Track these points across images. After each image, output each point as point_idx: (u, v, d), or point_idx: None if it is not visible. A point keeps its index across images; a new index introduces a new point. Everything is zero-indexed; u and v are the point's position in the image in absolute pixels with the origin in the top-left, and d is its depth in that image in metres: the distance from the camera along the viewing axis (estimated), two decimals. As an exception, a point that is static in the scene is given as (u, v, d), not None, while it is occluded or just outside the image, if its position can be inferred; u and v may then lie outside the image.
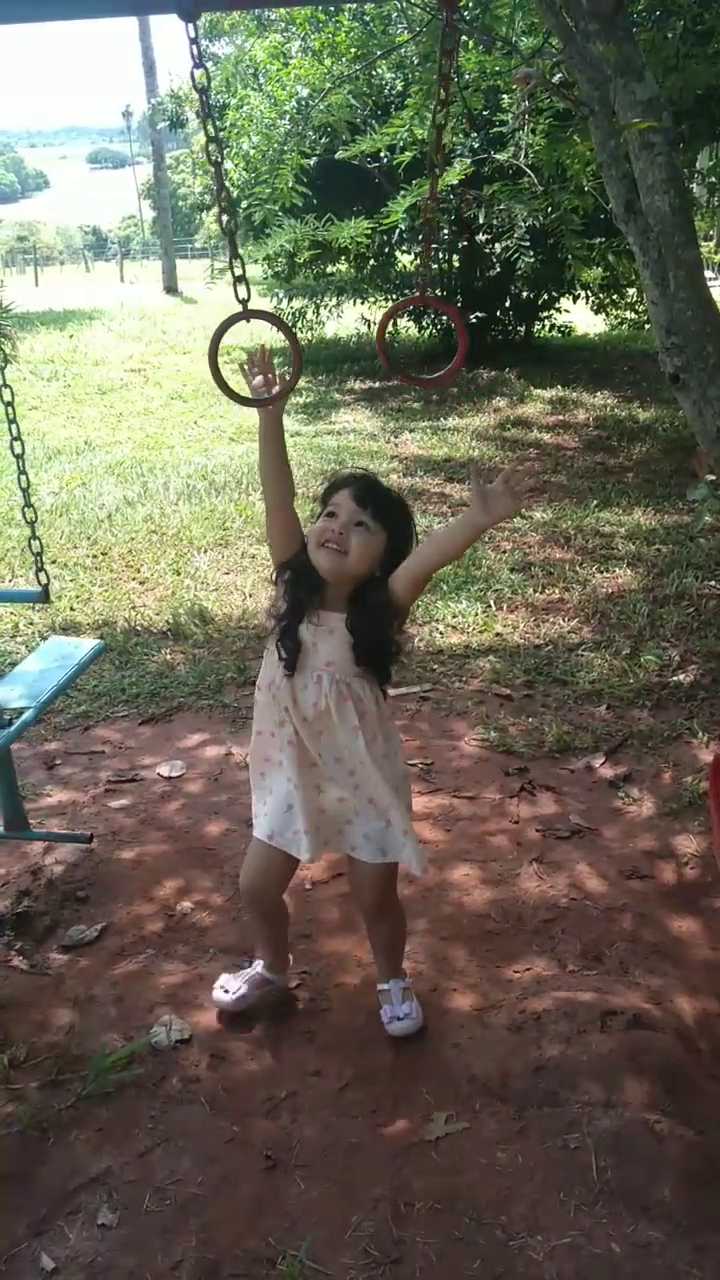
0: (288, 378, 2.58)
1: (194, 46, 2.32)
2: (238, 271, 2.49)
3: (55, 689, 3.70)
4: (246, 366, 2.63)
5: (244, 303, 2.49)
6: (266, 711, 2.79)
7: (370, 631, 2.63)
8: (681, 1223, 2.34)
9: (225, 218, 2.46)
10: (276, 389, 2.59)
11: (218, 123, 12.86)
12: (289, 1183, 2.53)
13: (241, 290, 2.48)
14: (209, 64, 13.89)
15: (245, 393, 2.59)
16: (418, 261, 14.38)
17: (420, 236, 13.62)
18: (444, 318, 15.30)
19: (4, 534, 7.67)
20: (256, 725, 2.86)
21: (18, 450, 3.66)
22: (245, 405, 2.58)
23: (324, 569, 2.60)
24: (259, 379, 2.61)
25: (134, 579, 6.79)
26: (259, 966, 3.11)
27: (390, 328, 15.18)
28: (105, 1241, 2.38)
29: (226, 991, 3.04)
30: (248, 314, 2.51)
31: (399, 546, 2.65)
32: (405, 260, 15.12)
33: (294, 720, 2.71)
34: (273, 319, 2.64)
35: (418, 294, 2.78)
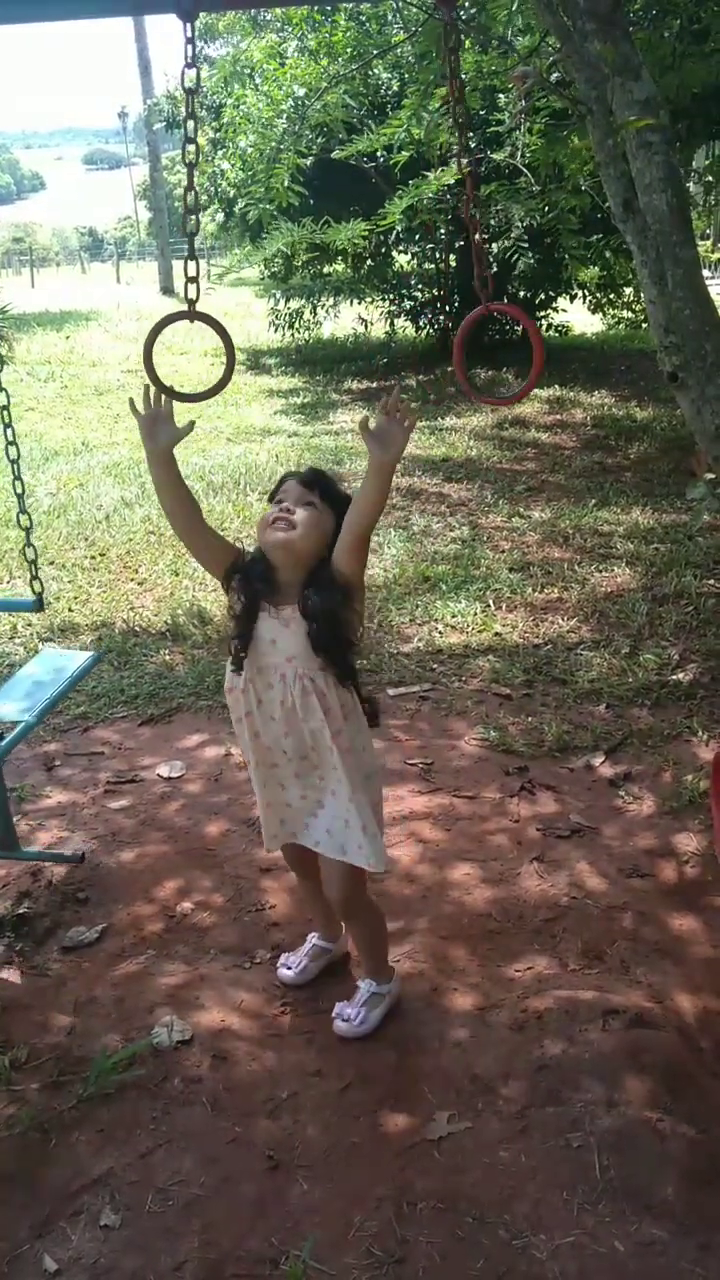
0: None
1: (190, 46, 2.32)
2: (191, 273, 2.56)
3: (49, 702, 3.69)
4: (140, 407, 2.71)
5: (192, 303, 2.66)
6: (231, 712, 2.85)
7: (326, 614, 2.62)
8: (685, 1221, 2.35)
9: (192, 218, 2.50)
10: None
11: (213, 123, 12.89)
12: (291, 1183, 2.52)
13: (192, 291, 2.65)
14: (203, 66, 13.91)
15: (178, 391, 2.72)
16: (426, 262, 14.40)
17: (417, 237, 13.68)
18: (440, 317, 15.33)
19: (3, 536, 7.66)
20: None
21: (13, 455, 3.63)
22: (177, 399, 2.65)
23: (274, 546, 2.63)
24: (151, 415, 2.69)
25: (132, 580, 6.78)
26: (314, 939, 3.22)
27: (388, 327, 15.14)
28: (108, 1242, 2.38)
29: (289, 968, 3.17)
30: (192, 315, 2.60)
31: (340, 521, 2.66)
32: (402, 260, 15.12)
33: (258, 720, 2.74)
34: (214, 324, 2.71)
35: (482, 306, 2.82)
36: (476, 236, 2.83)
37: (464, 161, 2.69)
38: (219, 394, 2.74)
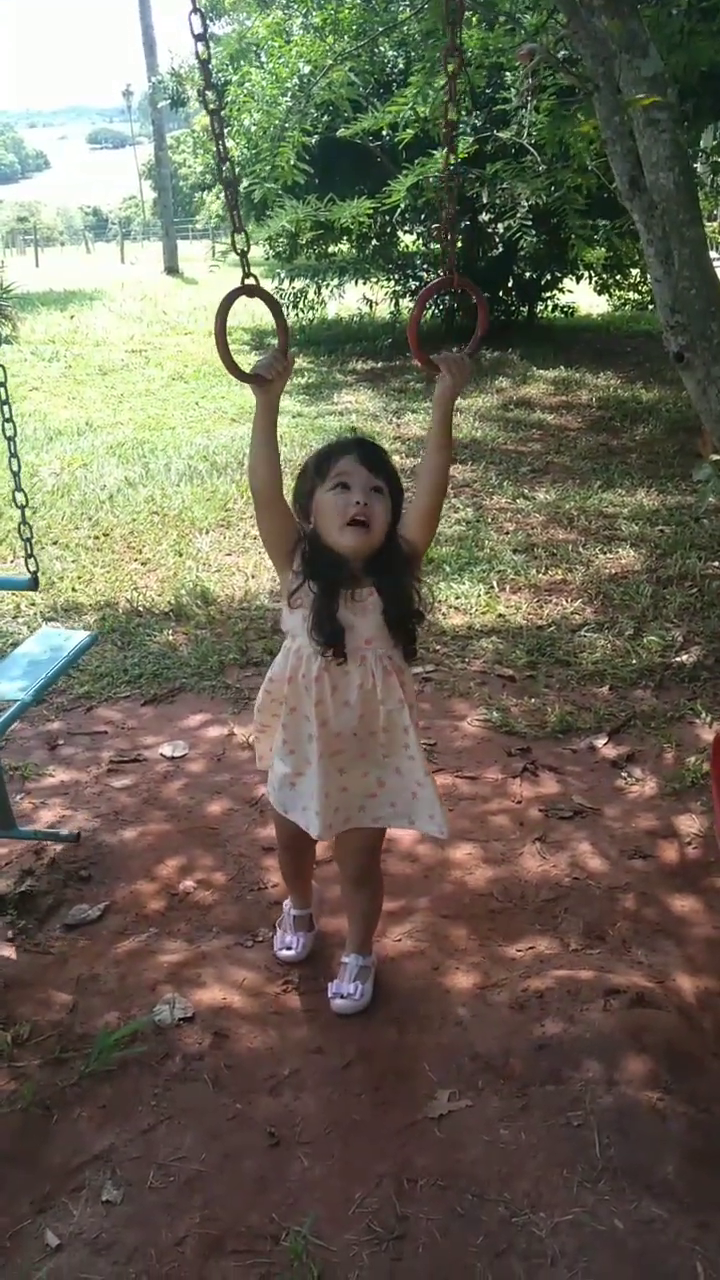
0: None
1: (196, 14, 2.29)
2: (241, 246, 2.47)
3: (44, 682, 3.68)
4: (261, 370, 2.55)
5: (253, 276, 2.51)
6: (283, 701, 2.73)
7: (401, 595, 2.61)
8: (684, 1200, 2.35)
9: (227, 190, 2.42)
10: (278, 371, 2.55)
11: (219, 100, 12.82)
12: (292, 1160, 2.53)
13: (247, 265, 2.51)
14: (210, 44, 13.82)
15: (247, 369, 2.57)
16: (431, 241, 14.32)
17: (423, 216, 13.61)
18: (445, 298, 15.26)
19: (6, 515, 7.65)
20: (263, 711, 2.84)
21: (9, 433, 3.61)
22: (246, 380, 2.55)
23: (351, 548, 2.53)
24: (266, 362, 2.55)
25: (136, 560, 6.78)
26: (295, 910, 3.23)
27: (392, 308, 15.03)
28: (109, 1218, 2.38)
29: (290, 948, 3.19)
30: (253, 289, 2.51)
31: (400, 501, 2.62)
32: (408, 240, 15.06)
33: (330, 707, 2.65)
34: (269, 298, 2.64)
35: (445, 276, 2.77)
36: (446, 212, 2.78)
37: (451, 132, 2.62)
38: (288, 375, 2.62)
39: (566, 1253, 2.26)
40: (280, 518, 2.61)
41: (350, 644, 2.60)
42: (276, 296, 16.03)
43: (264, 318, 17.51)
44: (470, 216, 13.81)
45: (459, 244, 14.60)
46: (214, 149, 2.40)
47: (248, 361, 2.63)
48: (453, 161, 2.62)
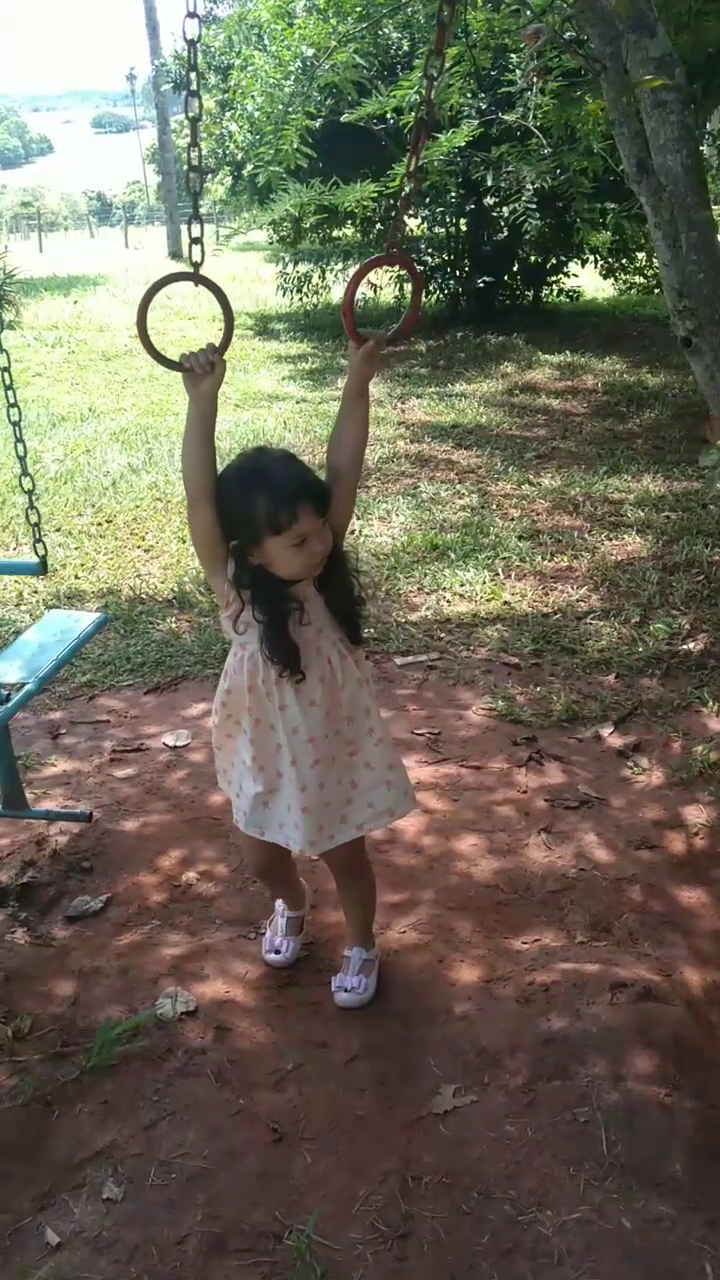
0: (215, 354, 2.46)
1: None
2: (195, 233, 2.42)
3: (55, 665, 3.65)
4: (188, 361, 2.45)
5: (196, 266, 2.45)
6: (246, 712, 2.66)
7: (345, 592, 2.60)
8: (693, 1198, 2.32)
9: (193, 175, 2.36)
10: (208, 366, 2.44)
11: (221, 84, 12.73)
12: (295, 1156, 2.51)
13: (197, 253, 2.47)
14: (210, 27, 13.73)
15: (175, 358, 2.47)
16: (435, 225, 14.23)
17: (427, 200, 13.51)
18: (451, 281, 15.19)
19: (8, 502, 7.61)
20: (223, 726, 2.76)
21: (14, 418, 3.58)
22: (170, 368, 2.49)
23: (303, 577, 2.50)
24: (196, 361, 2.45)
25: (139, 547, 6.74)
26: (287, 911, 3.16)
27: (396, 293, 14.94)
28: (110, 1215, 2.36)
29: (277, 952, 3.11)
30: (198, 277, 2.45)
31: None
32: (412, 224, 14.96)
33: (296, 713, 2.60)
34: (212, 286, 2.54)
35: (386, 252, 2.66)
36: (409, 187, 2.71)
37: (422, 107, 2.54)
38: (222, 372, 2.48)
39: (573, 1252, 2.23)
40: (208, 523, 2.46)
41: (304, 649, 2.55)
42: (281, 281, 15.98)
43: (269, 305, 17.49)
44: (475, 200, 13.72)
45: (464, 228, 14.55)
46: (189, 156, 2.34)
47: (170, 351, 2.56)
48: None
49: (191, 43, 2.24)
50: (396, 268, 2.67)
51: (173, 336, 15.90)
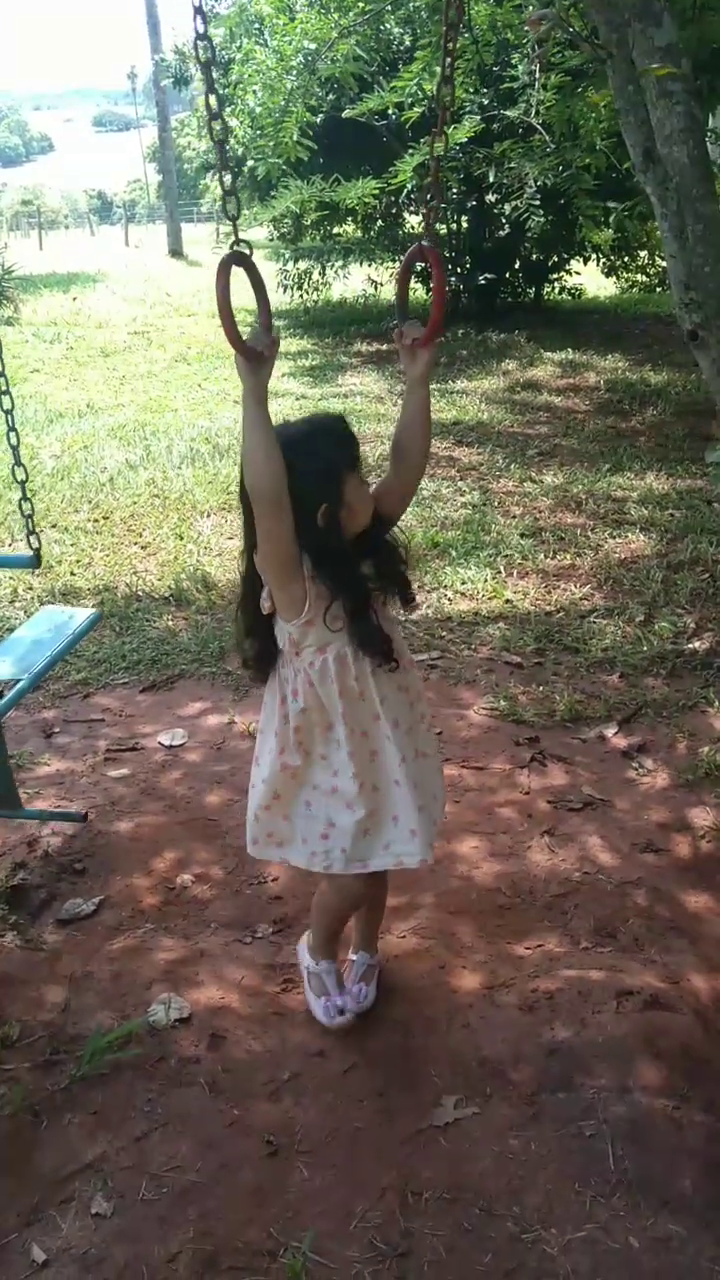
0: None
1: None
2: (232, 212, 2.27)
3: (48, 661, 3.58)
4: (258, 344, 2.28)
5: (246, 243, 2.30)
6: (327, 730, 2.46)
7: (389, 546, 2.48)
8: (703, 1216, 2.24)
9: (217, 123, 2.21)
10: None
11: (222, 79, 12.64)
12: (291, 1170, 2.42)
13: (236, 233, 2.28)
14: (211, 20, 13.63)
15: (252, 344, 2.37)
16: (424, 219, 14.19)
17: (429, 196, 13.43)
18: (454, 279, 15.11)
19: (4, 497, 7.53)
20: (287, 765, 2.50)
21: (7, 406, 3.50)
22: (242, 350, 2.35)
23: (368, 518, 2.37)
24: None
25: (136, 543, 6.66)
26: (330, 966, 2.87)
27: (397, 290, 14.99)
28: (99, 1232, 2.28)
29: (343, 1013, 2.79)
30: (244, 257, 2.30)
31: None
32: (413, 221, 14.91)
33: (392, 699, 2.46)
34: (254, 271, 2.42)
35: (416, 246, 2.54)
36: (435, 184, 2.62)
37: (444, 90, 2.44)
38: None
39: (579, 1272, 2.15)
40: (288, 518, 2.23)
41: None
42: (281, 279, 15.90)
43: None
44: (477, 197, 13.65)
45: (465, 225, 14.47)
46: (210, 129, 2.22)
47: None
48: (442, 150, 2.43)
49: (198, 9, 2.13)
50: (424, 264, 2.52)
51: (171, 333, 15.86)
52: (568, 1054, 2.66)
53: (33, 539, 3.64)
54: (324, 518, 2.27)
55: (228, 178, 2.18)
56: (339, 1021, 2.79)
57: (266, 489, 2.19)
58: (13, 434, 3.57)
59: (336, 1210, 2.32)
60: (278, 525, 2.22)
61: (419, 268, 2.54)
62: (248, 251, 2.23)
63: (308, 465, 2.24)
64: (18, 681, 3.47)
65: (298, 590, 2.31)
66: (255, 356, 2.23)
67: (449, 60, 2.26)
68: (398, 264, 15.04)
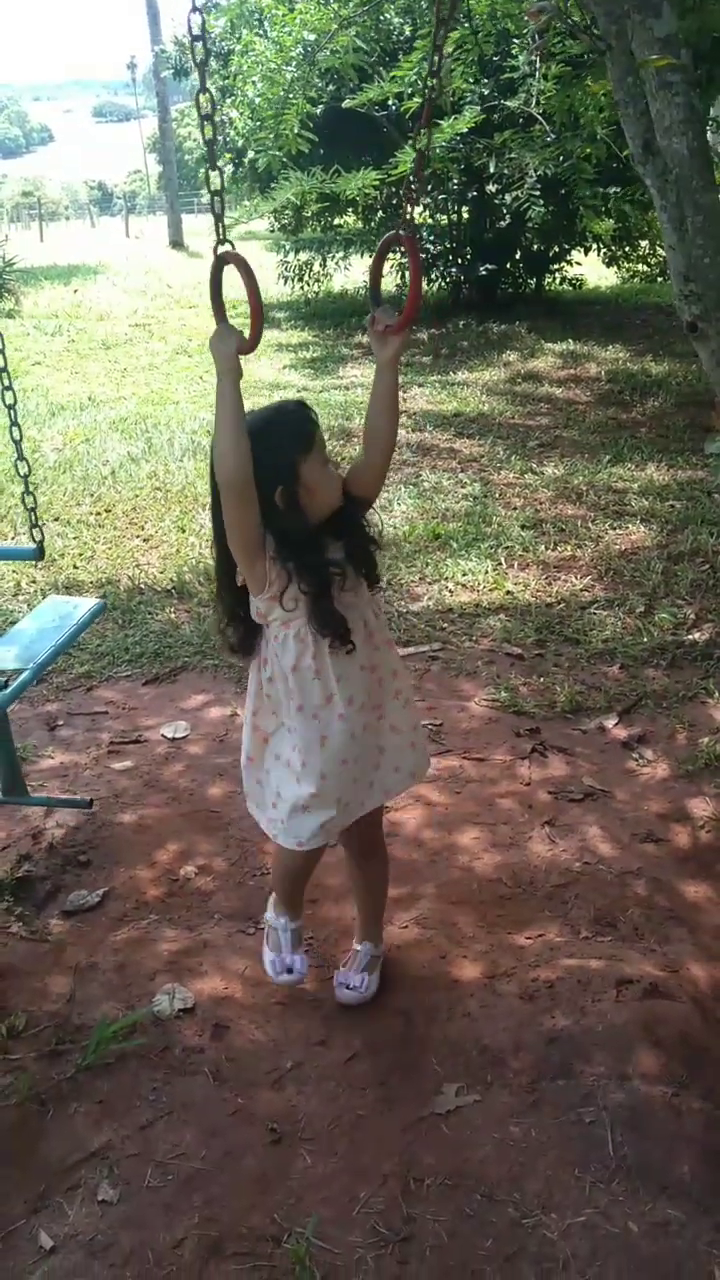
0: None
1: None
2: (218, 209, 2.33)
3: (53, 650, 3.60)
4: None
5: (228, 242, 2.35)
6: (284, 700, 2.53)
7: (359, 525, 2.52)
8: (701, 1201, 2.27)
9: (208, 125, 2.26)
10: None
11: (221, 70, 12.63)
12: (295, 1157, 2.45)
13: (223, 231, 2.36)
14: (210, 13, 13.62)
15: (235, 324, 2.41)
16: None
17: (430, 187, 13.41)
18: (453, 270, 15.10)
19: (7, 490, 7.55)
20: (261, 725, 2.63)
21: (9, 400, 3.52)
22: (224, 327, 2.38)
23: (337, 501, 2.44)
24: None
25: (138, 536, 6.68)
26: (287, 924, 2.86)
27: (398, 281, 14.93)
28: (106, 1218, 2.31)
29: (292, 971, 2.83)
30: (232, 255, 2.34)
31: None
32: (414, 212, 14.88)
33: (355, 678, 2.51)
34: (245, 267, 2.45)
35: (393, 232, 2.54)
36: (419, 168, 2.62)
37: (431, 83, 2.45)
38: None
39: (579, 1256, 2.18)
40: (252, 505, 2.33)
41: (347, 616, 2.48)
42: (282, 270, 15.87)
43: (270, 294, 17.33)
44: (477, 187, 13.63)
45: (466, 216, 14.44)
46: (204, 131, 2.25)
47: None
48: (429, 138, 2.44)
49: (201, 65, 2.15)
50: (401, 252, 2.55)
51: (173, 325, 15.85)
52: (568, 1042, 2.68)
53: (35, 532, 3.66)
54: (281, 499, 2.37)
55: (215, 177, 2.21)
56: (284, 979, 2.85)
57: (233, 479, 2.29)
58: (15, 429, 3.58)
59: (339, 1196, 2.35)
60: (243, 512, 2.33)
61: (396, 252, 2.56)
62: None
63: (264, 451, 2.32)
64: (22, 672, 3.50)
65: (260, 570, 2.41)
66: (238, 336, 2.32)
67: (437, 57, 2.28)
68: (398, 255, 15.08)
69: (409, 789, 2.85)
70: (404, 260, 15.27)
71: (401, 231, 2.43)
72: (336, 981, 2.92)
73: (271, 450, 2.34)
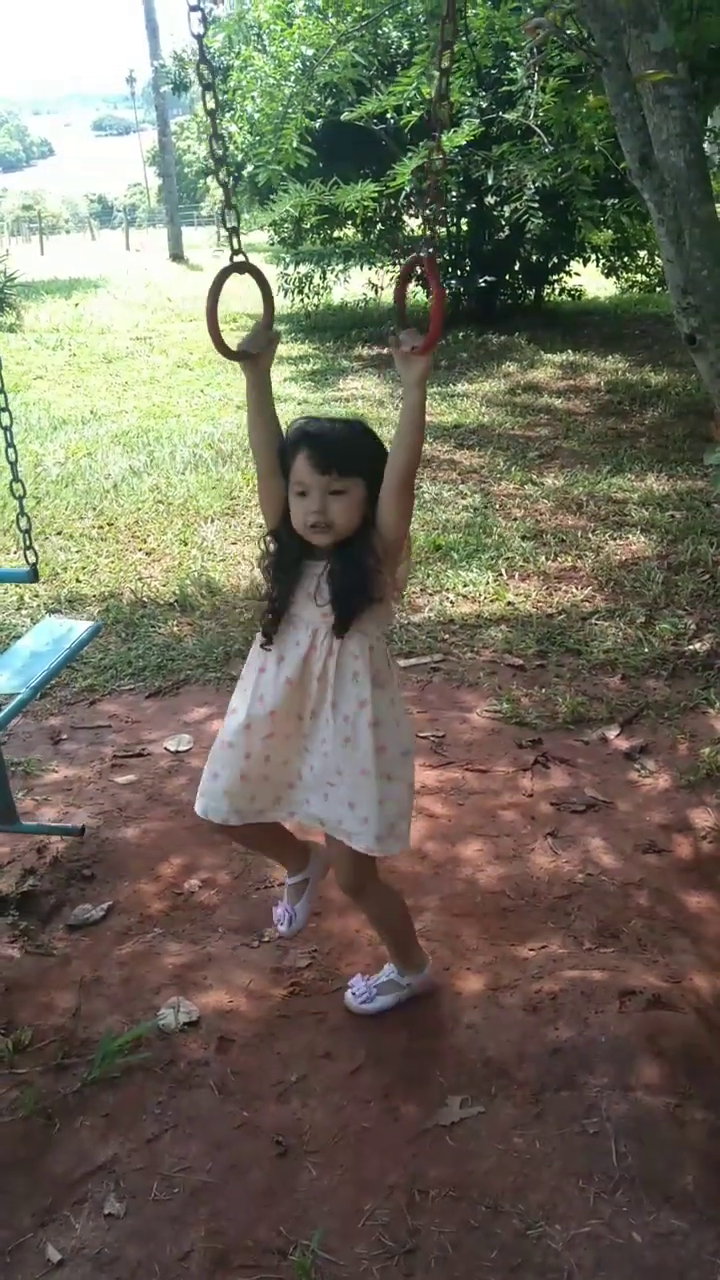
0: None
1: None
2: (232, 222, 2.36)
3: (47, 673, 3.61)
4: (250, 347, 2.45)
5: (242, 253, 2.42)
6: (244, 681, 2.63)
7: (348, 582, 2.44)
8: (705, 1211, 2.28)
9: (218, 149, 2.30)
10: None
11: (220, 85, 12.68)
12: (300, 1170, 2.46)
13: (236, 242, 2.44)
14: (210, 27, 13.67)
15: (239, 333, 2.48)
16: (424, 224, 14.22)
17: (428, 200, 13.46)
18: (453, 281, 15.14)
19: (10, 506, 7.56)
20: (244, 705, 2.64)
21: (5, 422, 3.52)
22: (234, 358, 2.44)
23: (320, 545, 2.45)
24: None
25: (140, 550, 6.70)
26: (287, 879, 3.00)
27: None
28: (112, 1232, 2.32)
29: (282, 923, 3.00)
30: (244, 265, 2.41)
31: (379, 474, 2.41)
32: (413, 224, 14.93)
33: (271, 677, 2.55)
34: (257, 273, 2.50)
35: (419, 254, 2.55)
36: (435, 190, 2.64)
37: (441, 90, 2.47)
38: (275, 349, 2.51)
39: (583, 1267, 2.19)
40: (274, 497, 2.50)
41: (299, 622, 2.51)
42: (282, 283, 15.91)
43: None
44: (476, 199, 13.68)
45: (465, 227, 14.48)
46: (210, 143, 2.28)
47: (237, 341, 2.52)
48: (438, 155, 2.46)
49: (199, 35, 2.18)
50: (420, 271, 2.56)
51: (174, 338, 15.89)
52: (571, 1053, 2.70)
53: (29, 554, 3.64)
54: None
55: (221, 191, 2.25)
56: (280, 929, 3.03)
57: (257, 456, 2.54)
58: (11, 450, 3.57)
59: (344, 1209, 2.36)
60: (263, 486, 2.54)
61: (418, 272, 2.57)
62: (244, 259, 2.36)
63: (286, 445, 2.47)
64: (17, 694, 3.51)
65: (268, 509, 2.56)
66: (246, 357, 2.45)
67: (444, 80, 2.30)
68: (398, 267, 15.14)
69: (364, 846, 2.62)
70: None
71: (423, 254, 2.45)
72: (350, 982, 2.94)
73: (286, 445, 2.47)
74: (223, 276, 2.39)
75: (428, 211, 2.69)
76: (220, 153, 2.26)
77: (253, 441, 2.54)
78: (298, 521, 2.43)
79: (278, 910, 3.03)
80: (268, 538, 2.55)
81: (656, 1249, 2.21)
